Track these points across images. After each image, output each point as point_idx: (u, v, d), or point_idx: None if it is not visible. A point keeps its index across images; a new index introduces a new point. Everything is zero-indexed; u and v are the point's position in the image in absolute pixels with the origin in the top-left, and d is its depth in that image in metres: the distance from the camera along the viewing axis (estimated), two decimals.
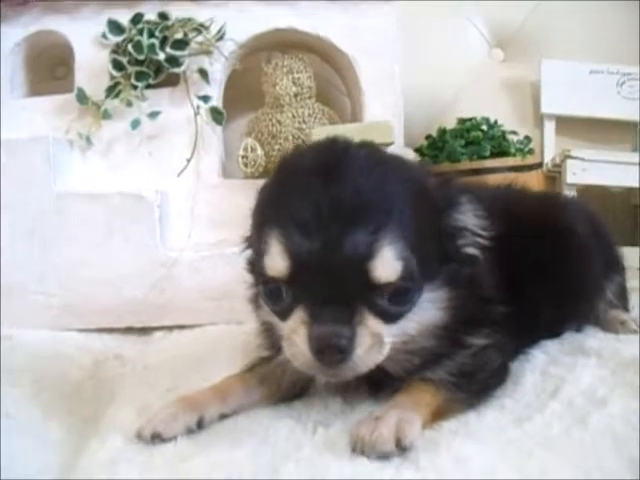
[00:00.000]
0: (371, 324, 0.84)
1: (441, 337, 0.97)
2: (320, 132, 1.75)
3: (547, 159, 2.17)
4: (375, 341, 0.84)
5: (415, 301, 0.89)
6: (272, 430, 0.93)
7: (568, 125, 2.38)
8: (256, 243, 0.93)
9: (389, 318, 0.87)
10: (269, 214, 0.92)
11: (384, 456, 0.80)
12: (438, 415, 0.93)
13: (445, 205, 0.96)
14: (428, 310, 0.93)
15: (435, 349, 0.97)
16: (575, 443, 0.83)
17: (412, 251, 0.85)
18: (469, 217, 0.97)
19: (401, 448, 0.80)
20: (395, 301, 0.86)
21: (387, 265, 0.82)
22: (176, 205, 1.78)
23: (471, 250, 0.97)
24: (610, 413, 0.91)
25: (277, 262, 0.85)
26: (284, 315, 0.89)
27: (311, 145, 1.03)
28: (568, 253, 1.28)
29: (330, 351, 0.81)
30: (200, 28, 1.81)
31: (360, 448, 0.81)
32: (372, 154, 0.94)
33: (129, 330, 1.72)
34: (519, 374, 1.12)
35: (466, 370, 0.98)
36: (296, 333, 0.84)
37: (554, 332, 1.32)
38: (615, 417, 0.89)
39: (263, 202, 0.96)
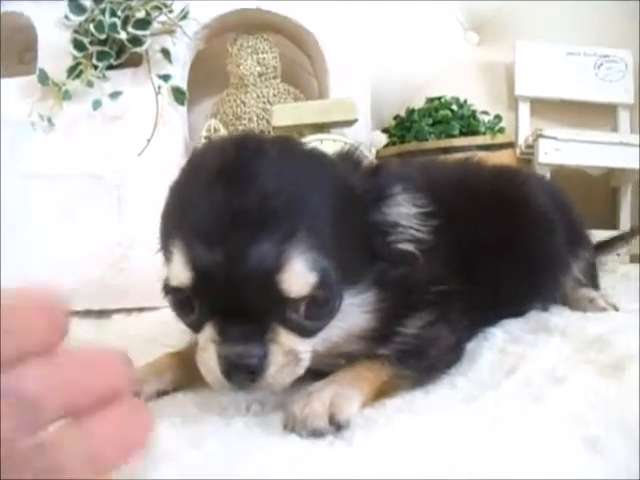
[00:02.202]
0: (285, 340, 0.77)
1: (370, 338, 0.90)
2: (281, 110, 1.73)
3: (520, 141, 2.14)
4: (290, 358, 0.78)
5: (335, 311, 0.82)
6: (205, 407, 0.89)
7: (544, 108, 2.35)
8: (163, 249, 0.85)
9: (305, 333, 0.80)
10: (172, 220, 0.84)
11: (316, 433, 0.74)
12: (381, 392, 0.87)
13: (372, 199, 0.87)
14: (352, 315, 0.86)
15: (364, 350, 0.91)
16: (527, 421, 0.77)
17: (329, 258, 0.77)
18: (402, 209, 0.89)
19: (335, 425, 0.75)
20: (311, 315, 0.79)
21: (298, 278, 0.74)
22: (137, 186, 1.75)
23: (405, 246, 0.89)
24: (568, 391, 0.85)
25: (180, 273, 0.76)
26: (196, 328, 0.82)
27: (221, 141, 0.93)
28: (528, 227, 1.24)
29: (239, 372, 0.75)
30: (162, 7, 1.78)
31: (292, 425, 0.77)
32: (286, 152, 0.85)
33: (88, 313, 1.68)
34: (476, 353, 1.07)
35: (413, 347, 0.92)
36: (206, 351, 0.78)
37: (517, 310, 1.27)
38: (573, 396, 0.83)
39: (168, 205, 0.86)
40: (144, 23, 1.79)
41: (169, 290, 0.82)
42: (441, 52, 2.47)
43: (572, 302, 1.37)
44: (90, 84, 1.78)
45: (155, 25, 1.82)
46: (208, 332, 0.78)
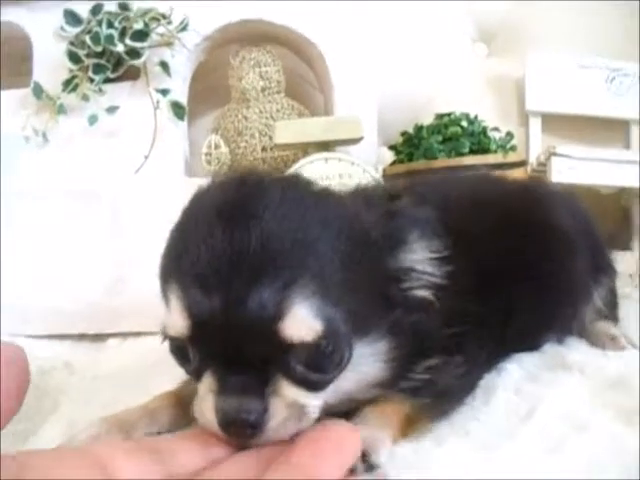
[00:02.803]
0: (287, 393, 0.72)
1: (383, 385, 0.85)
2: (284, 126, 1.67)
3: (532, 158, 2.07)
4: (293, 412, 0.72)
5: (344, 363, 0.76)
6: None
7: (555, 123, 2.28)
8: (162, 293, 0.80)
9: (312, 386, 0.74)
10: (170, 264, 0.79)
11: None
12: (407, 426, 0.84)
13: (388, 244, 0.82)
14: (364, 365, 0.81)
15: (377, 396, 0.86)
16: (547, 474, 0.73)
17: (337, 306, 0.72)
18: (419, 255, 0.84)
19: (368, 465, 0.72)
20: (316, 367, 0.73)
21: (300, 324, 0.69)
22: (134, 204, 1.68)
23: (420, 292, 0.84)
24: (587, 440, 0.80)
25: (177, 321, 0.72)
26: (195, 376, 0.77)
27: (223, 180, 0.86)
28: (548, 250, 1.16)
29: (237, 427, 0.70)
30: (160, 18, 1.72)
31: None
32: (291, 193, 0.79)
33: (82, 337, 1.62)
34: (490, 391, 1.01)
35: (426, 380, 0.88)
36: (204, 401, 0.73)
37: (533, 343, 1.20)
38: (592, 444, 0.79)
39: (167, 247, 0.81)
40: (142, 35, 1.72)
41: (167, 337, 0.78)
42: (448, 65, 2.40)
43: (590, 336, 1.30)
44: (86, 98, 1.72)
45: (153, 37, 1.75)
46: (206, 381, 0.73)
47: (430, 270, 0.84)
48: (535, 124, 2.23)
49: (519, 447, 0.82)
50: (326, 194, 0.85)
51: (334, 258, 0.74)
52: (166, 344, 0.81)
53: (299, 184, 0.85)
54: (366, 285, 0.79)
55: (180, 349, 0.77)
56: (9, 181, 1.70)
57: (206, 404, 0.72)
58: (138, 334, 1.60)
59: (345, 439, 0.57)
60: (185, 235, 0.78)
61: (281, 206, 0.75)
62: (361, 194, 0.92)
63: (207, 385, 0.73)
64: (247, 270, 0.69)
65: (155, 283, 1.57)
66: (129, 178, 1.69)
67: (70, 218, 1.66)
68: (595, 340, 1.28)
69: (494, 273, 1.03)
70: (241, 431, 0.70)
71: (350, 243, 0.77)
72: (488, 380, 1.05)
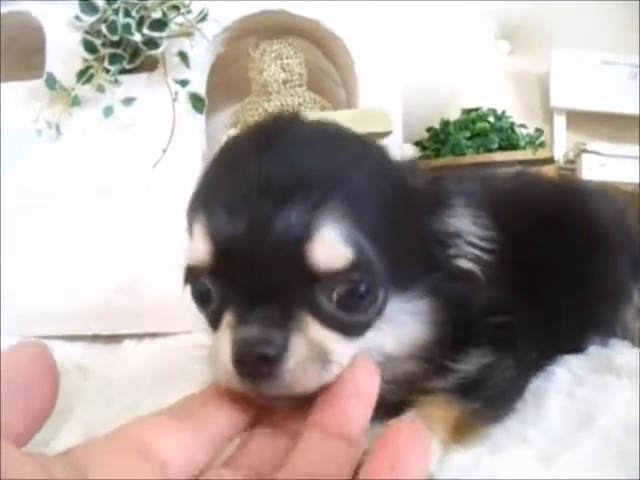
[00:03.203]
0: (313, 331, 0.65)
1: (427, 361, 0.80)
2: None
3: (558, 156, 2.02)
4: (316, 353, 0.65)
5: (377, 308, 0.70)
6: None
7: (578, 120, 2.24)
8: (188, 230, 0.77)
9: (341, 328, 0.68)
10: (197, 195, 0.76)
11: None
12: (457, 431, 0.80)
13: (432, 204, 0.78)
14: (403, 323, 0.75)
15: (420, 378, 0.81)
16: None
17: (372, 240, 0.67)
18: (464, 223, 0.80)
19: None
20: (346, 305, 0.67)
21: (329, 248, 0.64)
22: (150, 200, 1.61)
23: (465, 263, 0.80)
24: None
25: (198, 248, 0.68)
26: (214, 322, 0.71)
27: (258, 121, 0.85)
28: (590, 249, 1.12)
29: (252, 361, 0.62)
30: (180, 6, 1.65)
31: None
32: (326, 127, 0.78)
33: (95, 338, 1.55)
34: (541, 395, 0.97)
35: (473, 381, 0.84)
36: (221, 341, 0.66)
37: (577, 345, 1.16)
38: None
39: (197, 183, 0.78)
40: (160, 24, 1.65)
41: (189, 275, 0.74)
42: (470, 62, 2.35)
43: (633, 336, 1.24)
44: (101, 89, 1.65)
45: (172, 27, 1.68)
46: (226, 320, 0.67)
47: (475, 241, 0.80)
48: (560, 121, 2.19)
49: (582, 456, 0.78)
50: (368, 140, 0.82)
51: (370, 193, 0.70)
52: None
53: (338, 126, 0.80)
54: (405, 236, 0.74)
55: (202, 289, 0.72)
56: (21, 176, 1.64)
57: (222, 342, 0.65)
58: (155, 335, 1.55)
59: (421, 438, 0.52)
60: (215, 167, 0.76)
61: (316, 137, 0.73)
62: (407, 161, 0.89)
63: (226, 323, 0.67)
64: (274, 193, 0.65)
65: (172, 281, 1.50)
66: (146, 173, 1.62)
67: (84, 214, 1.61)
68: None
69: (537, 272, 0.99)
70: (256, 367, 0.62)
71: (390, 186, 0.73)
72: (537, 383, 1.01)
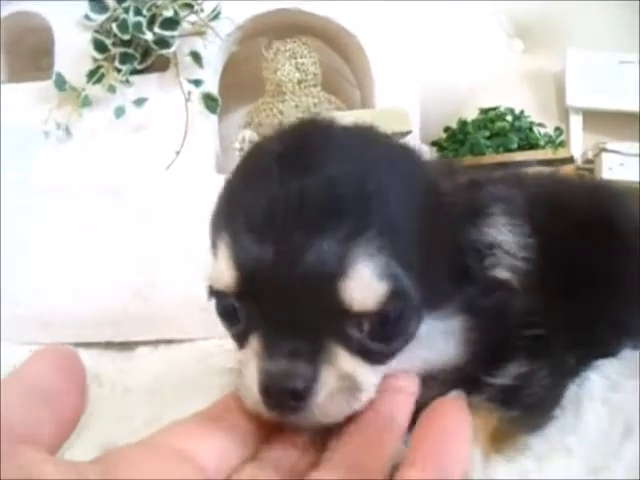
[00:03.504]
0: (342, 363, 0.62)
1: (458, 380, 0.76)
2: None
3: (575, 155, 1.97)
4: (346, 385, 0.62)
5: (410, 334, 0.67)
6: None
7: (594, 120, 2.19)
8: (211, 247, 0.74)
9: (371, 357, 0.65)
10: (221, 212, 0.72)
11: None
12: (496, 440, 0.76)
13: (469, 213, 0.74)
14: (435, 344, 0.72)
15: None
16: None
17: (407, 267, 0.63)
18: (502, 232, 0.75)
19: None
20: (378, 335, 0.64)
21: (363, 286, 0.60)
22: (164, 203, 1.58)
23: (502, 273, 0.75)
24: None
25: (224, 272, 0.64)
26: (240, 341, 0.68)
27: (287, 126, 0.79)
28: (624, 253, 1.07)
29: (280, 395, 0.60)
30: (193, 3, 1.62)
31: None
32: (360, 139, 0.73)
33: (109, 345, 1.51)
34: (577, 402, 0.94)
35: (509, 389, 0.80)
36: (247, 367, 0.64)
37: (611, 350, 1.11)
38: None
39: (220, 196, 0.74)
40: (172, 23, 1.62)
41: (213, 294, 0.71)
42: (484, 61, 2.31)
43: None
44: (112, 89, 1.62)
45: (184, 25, 1.65)
46: (252, 345, 0.64)
47: (513, 251, 0.75)
48: (576, 120, 2.15)
49: (629, 467, 0.75)
50: (403, 147, 0.78)
51: (406, 214, 0.66)
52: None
53: (373, 133, 0.77)
54: (440, 252, 0.70)
55: (227, 308, 0.68)
56: (29, 179, 1.61)
57: (248, 369, 0.63)
58: (170, 341, 1.51)
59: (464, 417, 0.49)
60: (240, 181, 0.72)
61: (350, 152, 0.68)
62: (442, 163, 0.85)
63: (252, 348, 0.64)
64: (305, 218, 0.61)
65: (188, 286, 1.47)
66: (159, 175, 1.58)
67: (95, 218, 1.57)
68: None
69: (571, 276, 0.94)
70: (284, 401, 0.60)
71: (426, 201, 0.69)
72: (571, 389, 0.96)
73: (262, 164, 0.69)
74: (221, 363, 1.27)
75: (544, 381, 0.84)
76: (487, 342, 0.76)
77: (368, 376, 0.64)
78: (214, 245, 0.70)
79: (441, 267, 0.70)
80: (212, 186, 1.57)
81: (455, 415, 0.50)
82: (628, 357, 1.13)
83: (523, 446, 0.82)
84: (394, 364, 0.67)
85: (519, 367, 0.81)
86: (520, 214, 0.77)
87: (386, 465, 0.54)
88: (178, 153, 1.57)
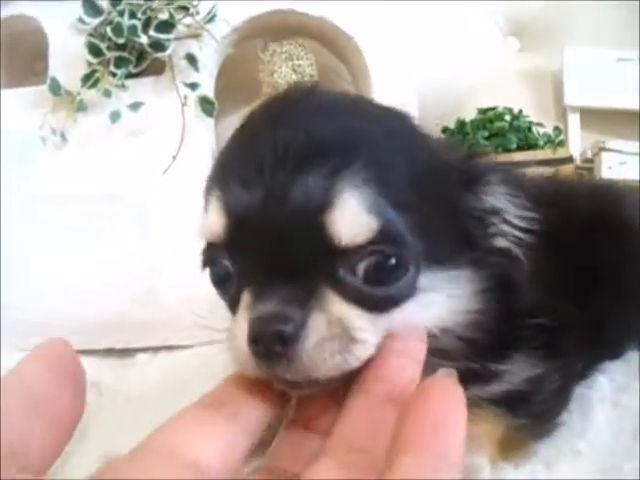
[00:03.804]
0: (335, 309, 0.59)
1: (462, 352, 0.72)
2: None
3: (573, 154, 1.96)
4: (338, 332, 0.58)
5: (409, 283, 0.63)
6: None
7: (593, 118, 2.18)
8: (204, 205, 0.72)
9: (366, 304, 0.61)
10: (212, 175, 0.71)
11: None
12: (504, 446, 0.78)
13: (466, 180, 0.72)
14: (439, 303, 0.68)
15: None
16: None
17: (399, 210, 0.61)
18: (500, 201, 0.74)
19: None
20: (372, 279, 0.60)
21: (351, 217, 0.58)
22: (161, 208, 1.56)
23: (503, 242, 0.73)
24: None
25: (213, 221, 0.63)
26: (234, 306, 0.65)
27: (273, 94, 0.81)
28: (632, 255, 1.07)
29: (267, 340, 0.57)
30: (188, 7, 1.60)
31: None
32: (346, 96, 0.76)
33: (109, 352, 1.49)
34: (585, 405, 0.95)
35: (517, 393, 0.79)
36: (238, 325, 0.61)
37: (618, 352, 1.12)
38: None
39: (213, 164, 0.73)
40: (167, 26, 1.60)
41: (207, 257, 0.70)
42: (481, 60, 2.31)
43: None
44: (107, 94, 1.60)
45: (179, 28, 1.63)
46: (244, 300, 0.61)
47: (512, 220, 0.74)
48: (574, 119, 2.14)
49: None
50: (394, 109, 0.75)
51: (396, 159, 0.65)
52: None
53: (360, 95, 0.79)
54: (437, 208, 0.67)
55: (220, 271, 0.67)
56: (26, 185, 1.59)
57: (239, 326, 0.60)
58: (170, 348, 1.50)
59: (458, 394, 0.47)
60: (230, 143, 0.71)
61: (335, 104, 0.70)
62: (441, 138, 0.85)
63: (244, 303, 0.61)
64: (291, 161, 0.59)
65: (187, 292, 1.44)
66: (156, 180, 1.56)
67: (94, 224, 1.55)
68: None
69: (579, 277, 0.94)
70: (272, 347, 0.57)
71: (417, 154, 0.68)
72: (579, 392, 0.98)
73: (249, 125, 0.69)
74: (221, 368, 1.27)
75: (553, 385, 0.84)
76: (493, 317, 0.73)
77: (364, 326, 0.60)
78: (205, 202, 0.69)
79: (439, 223, 0.68)
80: None
81: (448, 394, 0.46)
82: (634, 359, 1.13)
83: (531, 453, 0.81)
84: (395, 320, 0.63)
85: (529, 367, 0.80)
86: (520, 189, 0.76)
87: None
88: (175, 157, 1.56)
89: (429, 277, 0.65)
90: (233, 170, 0.64)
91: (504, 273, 0.74)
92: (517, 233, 0.74)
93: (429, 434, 0.43)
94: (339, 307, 0.59)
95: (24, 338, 1.47)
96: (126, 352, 1.50)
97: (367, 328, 0.60)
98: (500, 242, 0.73)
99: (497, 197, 0.73)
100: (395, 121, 0.72)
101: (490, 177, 0.74)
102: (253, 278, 0.61)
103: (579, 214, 1.04)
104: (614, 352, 1.11)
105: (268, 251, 0.60)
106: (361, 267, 0.60)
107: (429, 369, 0.64)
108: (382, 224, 0.59)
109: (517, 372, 0.79)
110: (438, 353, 0.68)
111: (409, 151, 0.68)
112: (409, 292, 0.63)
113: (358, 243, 0.58)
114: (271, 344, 0.56)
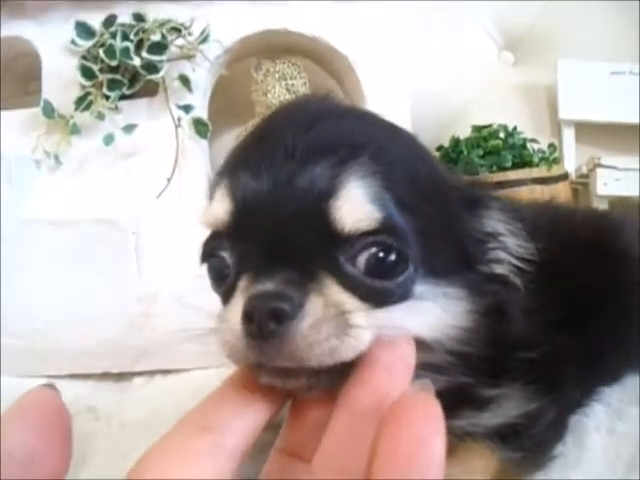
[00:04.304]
0: (333, 293, 0.59)
1: (454, 368, 0.72)
2: None
3: (568, 169, 1.96)
4: (333, 314, 0.58)
5: (408, 280, 0.63)
6: None
7: (587, 132, 2.18)
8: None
9: (365, 294, 0.61)
10: (220, 170, 0.73)
11: None
12: None
13: (467, 201, 0.74)
14: (434, 312, 0.67)
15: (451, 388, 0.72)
16: None
17: (402, 208, 0.62)
18: (499, 227, 0.75)
19: None
20: (372, 270, 0.61)
21: (355, 206, 0.59)
22: (156, 231, 1.55)
23: (500, 269, 0.74)
24: None
25: (219, 206, 0.64)
26: (228, 295, 0.64)
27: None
28: (630, 281, 1.07)
29: (262, 316, 0.55)
30: (180, 28, 1.60)
31: None
32: (358, 108, 0.83)
33: (105, 376, 1.49)
34: (580, 433, 0.94)
35: (515, 426, 0.79)
36: (231, 306, 0.61)
37: (613, 378, 1.11)
38: None
39: (224, 160, 0.75)
40: (160, 47, 1.60)
41: (205, 250, 0.71)
42: (475, 75, 2.30)
43: None
44: (101, 117, 1.59)
45: (172, 49, 1.63)
46: (241, 286, 0.61)
47: (510, 247, 0.75)
48: (569, 134, 2.13)
49: None
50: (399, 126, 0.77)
51: (401, 163, 0.67)
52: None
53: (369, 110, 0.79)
54: (438, 220, 0.68)
55: (218, 266, 0.68)
56: (20, 209, 1.57)
57: (233, 307, 0.60)
58: (166, 372, 1.49)
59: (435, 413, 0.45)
60: (241, 141, 0.75)
61: (347, 110, 0.73)
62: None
63: (241, 288, 0.61)
64: (300, 153, 0.62)
65: (183, 315, 1.44)
66: (150, 203, 1.56)
67: (87, 248, 1.53)
68: None
69: (577, 305, 0.95)
70: (266, 325, 0.55)
71: (422, 164, 0.71)
72: (574, 419, 0.97)
73: (261, 125, 0.72)
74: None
75: (549, 416, 0.83)
76: (485, 341, 0.73)
77: (360, 315, 0.60)
78: (211, 195, 0.69)
79: (440, 235, 0.68)
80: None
81: (425, 413, 0.45)
82: (630, 384, 1.12)
83: None
84: (388, 322, 0.61)
85: (524, 406, 0.80)
86: (518, 219, 0.77)
87: None
88: (169, 180, 1.55)
89: (425, 286, 0.65)
90: (243, 162, 0.65)
91: (499, 300, 0.74)
92: (514, 261, 0.74)
93: (405, 461, 0.42)
94: (337, 294, 0.59)
95: (23, 364, 1.48)
96: (122, 376, 1.49)
97: (364, 320, 0.60)
98: (498, 269, 0.74)
99: (497, 223, 0.75)
100: (401, 132, 0.74)
101: (489, 203, 0.76)
102: (253, 263, 0.61)
103: (576, 243, 1.04)
104: (612, 379, 1.11)
105: (270, 236, 0.60)
106: (362, 258, 0.60)
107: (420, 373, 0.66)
108: (385, 216, 0.60)
109: (512, 405, 0.79)
110: (430, 367, 0.68)
111: (413, 159, 0.70)
112: (406, 291, 0.63)
113: (361, 231, 0.59)
114: (266, 321, 0.55)
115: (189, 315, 1.47)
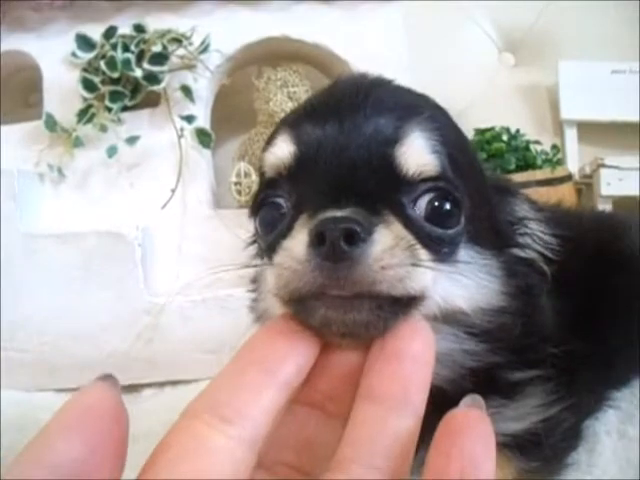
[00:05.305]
0: (397, 229, 0.58)
1: (489, 339, 0.72)
2: None
3: (572, 169, 1.95)
4: (401, 245, 0.57)
5: (459, 234, 0.64)
6: None
7: (590, 132, 2.18)
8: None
9: (424, 238, 0.60)
10: (283, 119, 0.75)
11: None
12: None
13: (500, 189, 0.79)
14: (475, 279, 0.68)
15: (484, 353, 0.72)
16: None
17: (454, 166, 0.65)
18: (529, 215, 0.80)
19: None
20: (431, 215, 0.61)
21: (418, 152, 0.62)
22: (161, 243, 1.56)
23: (530, 253, 0.77)
24: None
25: (281, 150, 0.64)
26: (282, 237, 0.60)
27: None
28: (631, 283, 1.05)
29: (335, 235, 0.53)
30: (181, 38, 1.60)
31: None
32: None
33: None
34: (592, 438, 0.93)
35: (534, 435, 0.79)
36: (292, 238, 0.58)
37: (624, 381, 1.10)
38: None
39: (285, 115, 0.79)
40: (161, 58, 1.61)
41: (260, 197, 0.68)
42: (476, 78, 2.29)
43: None
44: (103, 129, 1.60)
45: (173, 60, 1.64)
46: (300, 222, 0.58)
47: (538, 234, 0.79)
48: (571, 134, 2.13)
49: None
50: None
51: (452, 131, 0.71)
52: None
53: None
54: (479, 192, 0.71)
55: (271, 211, 0.66)
56: (24, 223, 1.57)
57: (294, 238, 0.57)
58: (175, 383, 1.49)
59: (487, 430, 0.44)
60: (302, 102, 0.76)
61: (398, 84, 0.74)
62: None
63: (301, 223, 0.58)
64: (363, 108, 0.64)
65: (191, 326, 1.43)
66: (155, 214, 1.56)
67: (93, 260, 1.53)
68: None
69: (589, 309, 0.94)
70: (339, 245, 0.53)
71: (465, 143, 0.75)
72: (585, 423, 0.95)
73: (318, 92, 0.73)
74: None
75: (565, 425, 0.83)
76: (515, 323, 0.73)
77: (425, 253, 0.60)
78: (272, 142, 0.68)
79: (480, 207, 0.70)
80: (209, 221, 1.56)
81: (479, 435, 0.44)
82: (638, 386, 1.12)
83: None
84: (438, 284, 0.62)
85: (542, 412, 0.80)
86: (540, 210, 0.82)
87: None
88: (174, 191, 1.55)
89: (469, 252, 0.67)
90: (307, 114, 0.67)
91: (528, 284, 0.76)
92: (540, 248, 0.78)
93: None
94: (401, 231, 0.59)
95: (32, 378, 1.48)
96: (132, 388, 1.49)
97: (427, 257, 0.60)
98: (527, 253, 0.77)
99: (526, 210, 0.79)
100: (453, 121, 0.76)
101: (517, 193, 0.81)
102: (316, 202, 0.58)
103: (584, 246, 1.03)
104: (622, 382, 1.10)
105: (335, 177, 0.60)
106: (422, 202, 0.62)
107: (457, 345, 0.70)
108: (443, 166, 0.63)
109: (533, 402, 0.80)
110: (468, 332, 0.70)
111: (460, 131, 0.74)
112: (456, 247, 0.65)
113: (423, 176, 0.61)
114: (339, 242, 0.53)
115: (195, 327, 1.47)
